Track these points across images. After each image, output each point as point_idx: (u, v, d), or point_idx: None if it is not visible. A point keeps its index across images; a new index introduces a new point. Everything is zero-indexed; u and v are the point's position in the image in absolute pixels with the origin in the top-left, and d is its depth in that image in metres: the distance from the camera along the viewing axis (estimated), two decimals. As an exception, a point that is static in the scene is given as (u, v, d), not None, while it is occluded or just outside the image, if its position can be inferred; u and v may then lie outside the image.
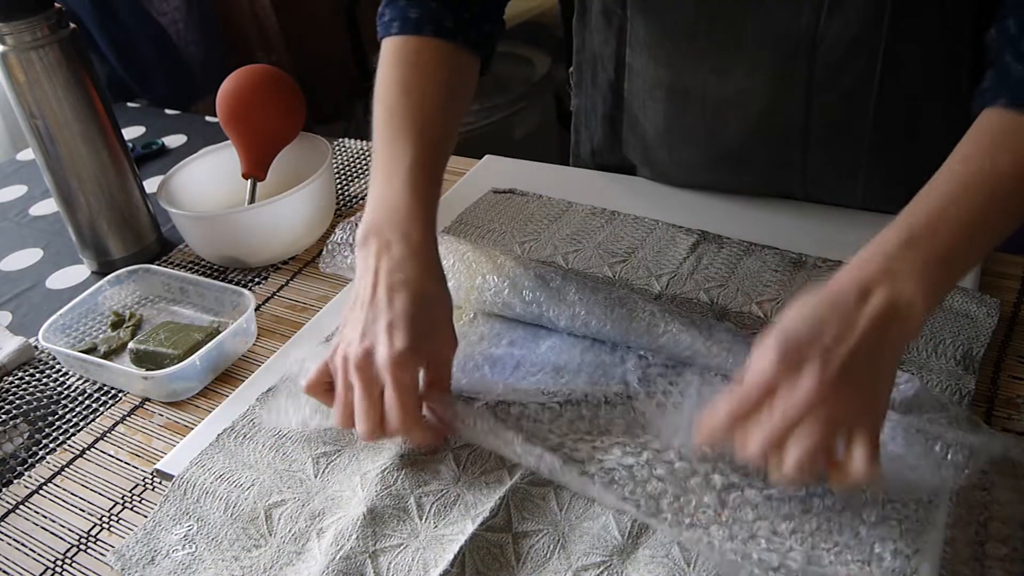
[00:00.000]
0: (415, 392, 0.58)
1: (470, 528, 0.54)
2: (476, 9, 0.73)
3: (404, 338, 0.57)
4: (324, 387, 0.61)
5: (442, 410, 0.60)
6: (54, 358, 0.78)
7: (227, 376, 0.74)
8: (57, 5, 0.81)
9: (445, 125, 0.70)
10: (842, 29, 0.73)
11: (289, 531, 0.57)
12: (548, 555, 0.54)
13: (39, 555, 0.60)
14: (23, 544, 0.61)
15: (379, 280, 0.60)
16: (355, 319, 0.60)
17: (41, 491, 0.65)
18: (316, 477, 0.61)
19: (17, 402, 0.74)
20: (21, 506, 0.64)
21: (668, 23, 0.79)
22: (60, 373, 0.77)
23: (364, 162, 1.07)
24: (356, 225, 0.72)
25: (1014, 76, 0.57)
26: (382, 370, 0.57)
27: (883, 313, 0.50)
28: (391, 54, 0.71)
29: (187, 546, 0.58)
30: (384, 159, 0.66)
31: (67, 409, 0.73)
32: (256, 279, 0.87)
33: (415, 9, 0.71)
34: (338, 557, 0.54)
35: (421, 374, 0.59)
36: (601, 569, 0.52)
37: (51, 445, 0.69)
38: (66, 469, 0.67)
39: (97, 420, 0.71)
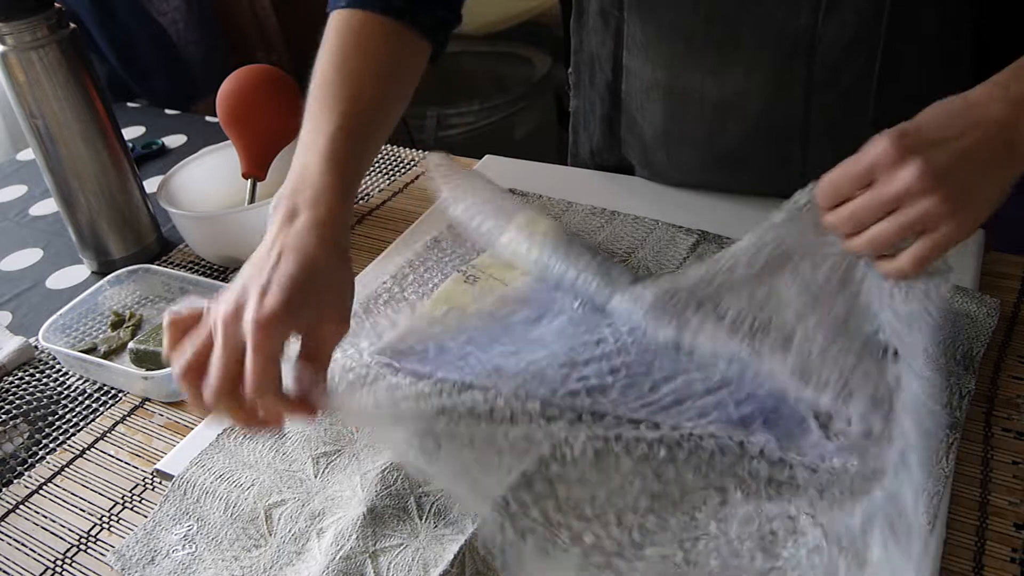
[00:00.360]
0: (276, 360, 0.52)
1: (470, 528, 0.54)
2: None
3: (276, 301, 0.52)
4: (184, 326, 0.55)
5: (308, 384, 0.54)
6: (54, 358, 0.78)
7: (227, 376, 0.74)
8: (57, 5, 0.81)
9: (376, 100, 0.66)
10: (840, 29, 0.73)
11: (289, 531, 0.57)
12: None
13: (39, 555, 0.60)
14: (23, 544, 0.61)
15: (275, 244, 0.56)
16: (239, 276, 0.56)
17: (41, 491, 0.65)
18: (316, 477, 0.61)
19: (17, 402, 0.74)
20: (21, 506, 0.64)
21: (665, 24, 0.79)
22: (60, 373, 0.77)
23: (364, 162, 1.07)
24: None
25: None
26: (246, 329, 0.52)
27: (1002, 124, 0.52)
28: (334, 28, 0.68)
29: (187, 546, 0.58)
30: (308, 129, 0.63)
31: (67, 409, 0.73)
32: (256, 279, 0.87)
33: None
34: (338, 557, 0.54)
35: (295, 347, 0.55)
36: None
37: (51, 445, 0.69)
38: (66, 469, 0.67)
39: (97, 420, 0.71)
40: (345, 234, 0.60)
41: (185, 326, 0.55)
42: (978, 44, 0.74)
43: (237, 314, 0.53)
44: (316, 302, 0.55)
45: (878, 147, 0.53)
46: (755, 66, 0.77)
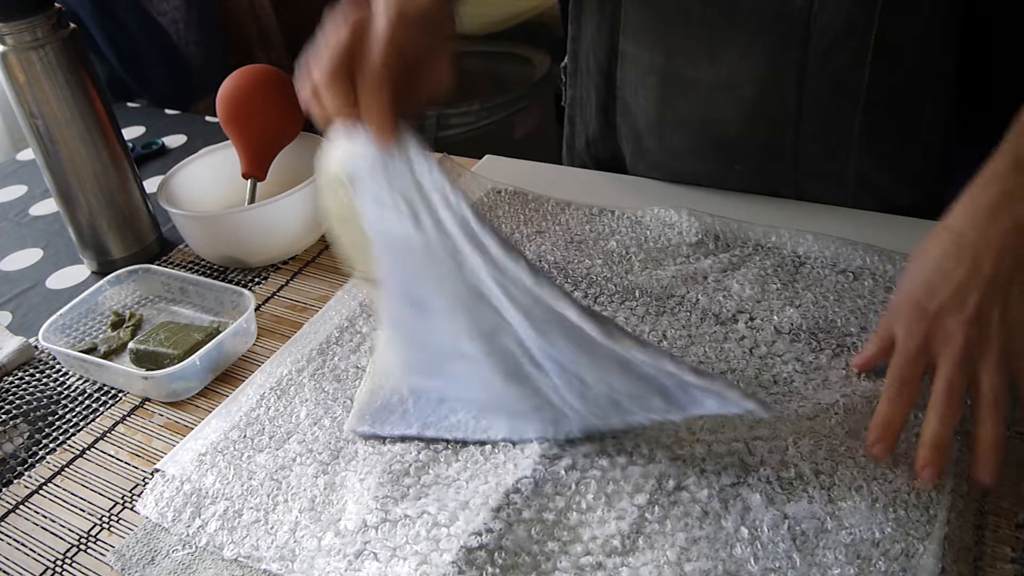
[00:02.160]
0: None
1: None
2: None
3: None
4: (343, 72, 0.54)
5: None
6: (54, 358, 0.78)
7: (227, 376, 0.74)
8: (57, 5, 0.81)
9: None
10: (835, 12, 0.74)
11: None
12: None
13: (39, 555, 0.60)
14: (23, 544, 0.61)
15: None
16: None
17: (41, 491, 0.65)
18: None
19: (17, 402, 0.74)
20: (21, 506, 0.64)
21: (661, 6, 0.80)
22: (60, 373, 0.77)
23: (364, 162, 1.07)
24: None
25: None
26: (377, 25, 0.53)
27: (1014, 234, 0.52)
28: None
29: (187, 546, 0.58)
30: None
31: (67, 409, 0.73)
32: (256, 279, 0.87)
33: None
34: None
35: None
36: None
37: (51, 445, 0.69)
38: (66, 469, 0.67)
39: (97, 420, 0.71)
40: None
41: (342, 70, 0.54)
42: (968, 28, 0.75)
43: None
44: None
45: (909, 322, 0.53)
46: (749, 49, 0.77)
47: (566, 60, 0.96)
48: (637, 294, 0.74)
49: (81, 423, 0.71)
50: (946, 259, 0.53)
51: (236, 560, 0.56)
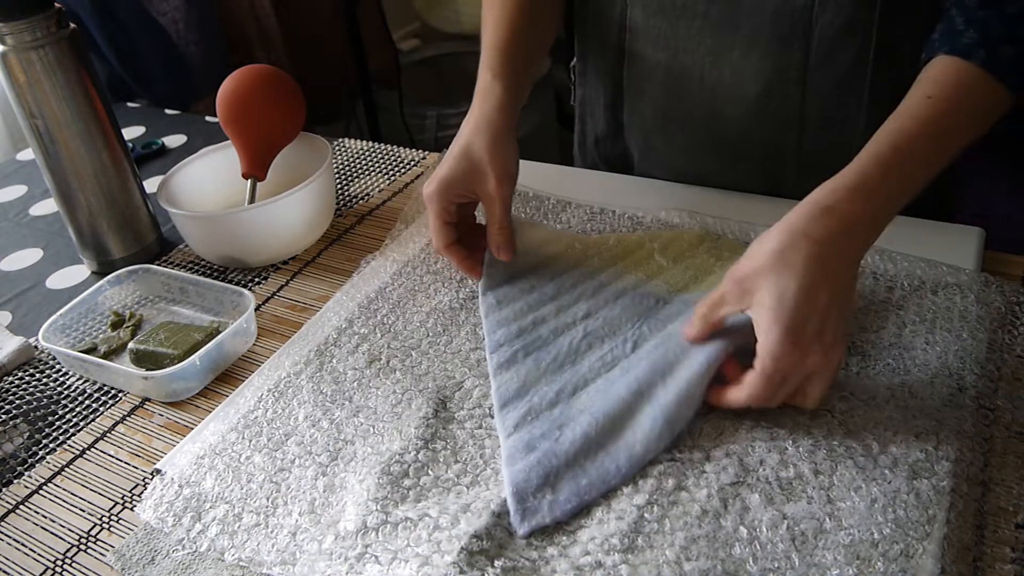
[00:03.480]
0: (444, 221, 0.76)
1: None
2: None
3: (435, 179, 0.75)
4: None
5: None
6: (54, 358, 0.78)
7: (227, 376, 0.74)
8: (57, 5, 0.81)
9: (524, 26, 0.82)
10: (836, 10, 0.74)
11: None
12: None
13: (39, 555, 0.60)
14: (23, 544, 0.61)
15: (453, 144, 0.76)
16: None
17: (41, 491, 0.65)
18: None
19: (17, 402, 0.74)
20: (21, 506, 0.64)
21: (667, 4, 0.81)
22: (60, 373, 0.77)
23: (364, 162, 1.07)
24: None
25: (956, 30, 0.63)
26: (427, 202, 0.76)
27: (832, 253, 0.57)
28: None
29: (187, 546, 0.58)
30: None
31: (67, 409, 0.73)
32: (256, 279, 0.87)
33: None
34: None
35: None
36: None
37: (51, 445, 0.69)
38: (66, 469, 0.67)
39: (97, 420, 0.71)
40: (506, 117, 0.76)
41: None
42: None
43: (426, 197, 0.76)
44: (474, 171, 0.74)
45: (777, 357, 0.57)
46: (753, 47, 0.78)
47: (575, 60, 0.97)
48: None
49: (81, 423, 0.71)
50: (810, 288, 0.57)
51: (237, 563, 0.56)
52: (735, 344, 0.62)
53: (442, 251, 0.77)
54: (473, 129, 0.75)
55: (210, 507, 0.60)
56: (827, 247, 0.57)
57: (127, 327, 0.80)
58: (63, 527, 0.62)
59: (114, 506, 0.63)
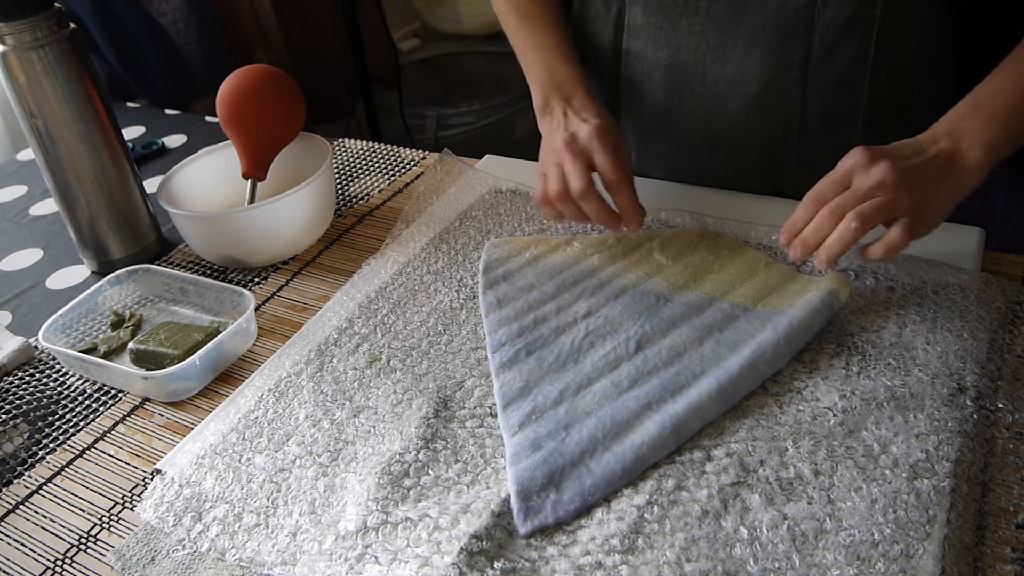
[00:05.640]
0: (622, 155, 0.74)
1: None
2: None
3: (601, 120, 0.74)
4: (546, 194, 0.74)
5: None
6: (54, 358, 0.78)
7: (227, 376, 0.74)
8: (57, 5, 0.81)
9: (560, 21, 0.87)
10: (837, 9, 0.75)
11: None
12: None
13: (39, 555, 0.60)
14: (23, 544, 0.61)
15: (566, 116, 0.77)
16: (552, 139, 0.76)
17: (41, 491, 0.65)
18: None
19: (17, 402, 0.74)
20: (21, 506, 0.64)
21: (668, 2, 0.81)
22: (60, 373, 0.77)
23: (364, 162, 1.07)
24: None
25: None
26: (588, 140, 0.72)
27: (948, 152, 0.65)
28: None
29: (187, 546, 0.58)
30: (525, 48, 0.86)
31: (67, 409, 0.73)
32: (256, 279, 0.87)
33: None
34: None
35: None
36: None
37: (51, 445, 0.69)
38: (66, 469, 0.67)
39: (97, 420, 0.71)
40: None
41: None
42: (967, 24, 0.75)
43: (573, 138, 0.73)
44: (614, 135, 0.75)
45: (851, 157, 0.64)
46: (755, 45, 0.78)
47: None
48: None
49: (81, 423, 0.71)
50: (896, 145, 0.66)
51: (238, 563, 0.56)
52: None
53: (585, 195, 0.72)
54: (593, 105, 0.78)
55: (210, 507, 0.60)
56: (936, 145, 0.65)
57: (127, 327, 0.80)
58: (63, 527, 0.62)
59: (114, 506, 0.63)
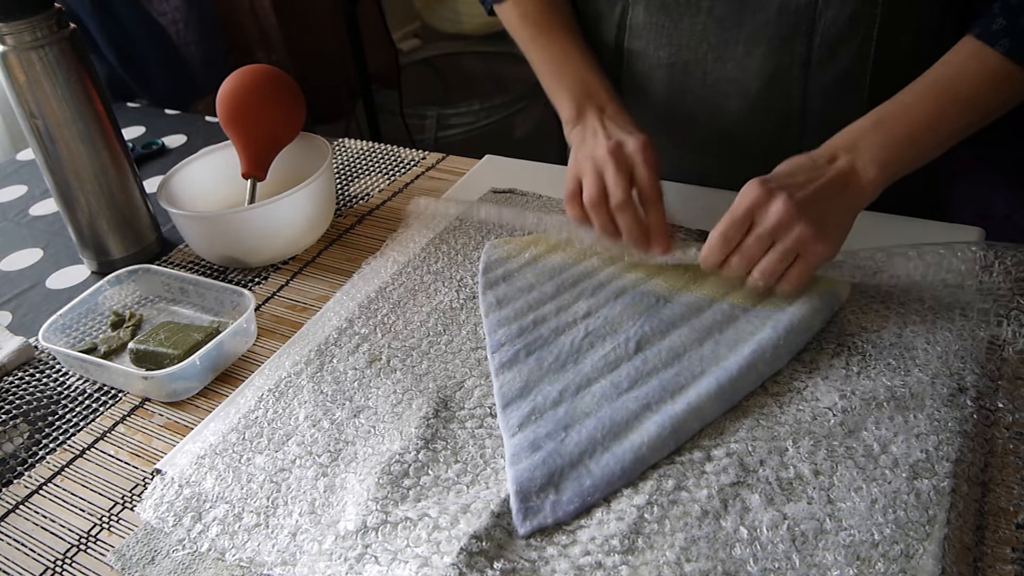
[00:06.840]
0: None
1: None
2: None
3: (645, 135, 0.72)
4: (578, 194, 0.72)
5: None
6: (54, 358, 0.78)
7: (227, 376, 0.74)
8: (57, 5, 0.81)
9: (575, 32, 0.86)
10: (839, 7, 0.75)
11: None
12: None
13: (39, 555, 0.60)
14: (23, 544, 0.61)
15: (602, 124, 0.75)
16: (590, 145, 0.73)
17: (41, 491, 0.65)
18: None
19: (17, 402, 0.74)
20: (21, 506, 0.64)
21: (670, 1, 0.81)
22: (60, 373, 0.77)
23: (364, 162, 1.07)
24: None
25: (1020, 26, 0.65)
26: (633, 153, 0.70)
27: (844, 171, 0.66)
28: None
29: (187, 546, 0.58)
30: (549, 60, 0.85)
31: (67, 409, 0.73)
32: (256, 279, 0.87)
33: None
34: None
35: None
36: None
37: (51, 445, 0.69)
38: (66, 469, 0.67)
39: (97, 420, 0.71)
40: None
41: (577, 194, 0.72)
42: (965, 25, 0.76)
43: (619, 147, 0.71)
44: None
45: (749, 194, 0.64)
46: (756, 44, 0.79)
47: None
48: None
49: (81, 423, 0.71)
50: (792, 167, 0.67)
51: (238, 563, 0.56)
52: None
53: (623, 206, 0.70)
54: (625, 115, 0.78)
55: (210, 507, 0.60)
56: (831, 159, 0.66)
57: (127, 327, 0.80)
58: (63, 527, 0.62)
59: (114, 506, 0.63)
